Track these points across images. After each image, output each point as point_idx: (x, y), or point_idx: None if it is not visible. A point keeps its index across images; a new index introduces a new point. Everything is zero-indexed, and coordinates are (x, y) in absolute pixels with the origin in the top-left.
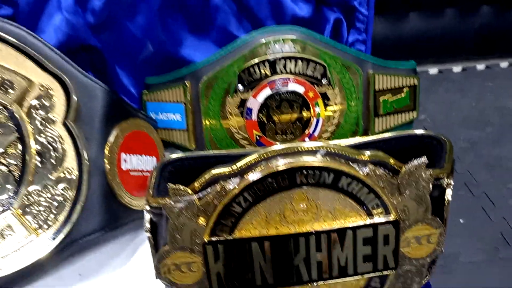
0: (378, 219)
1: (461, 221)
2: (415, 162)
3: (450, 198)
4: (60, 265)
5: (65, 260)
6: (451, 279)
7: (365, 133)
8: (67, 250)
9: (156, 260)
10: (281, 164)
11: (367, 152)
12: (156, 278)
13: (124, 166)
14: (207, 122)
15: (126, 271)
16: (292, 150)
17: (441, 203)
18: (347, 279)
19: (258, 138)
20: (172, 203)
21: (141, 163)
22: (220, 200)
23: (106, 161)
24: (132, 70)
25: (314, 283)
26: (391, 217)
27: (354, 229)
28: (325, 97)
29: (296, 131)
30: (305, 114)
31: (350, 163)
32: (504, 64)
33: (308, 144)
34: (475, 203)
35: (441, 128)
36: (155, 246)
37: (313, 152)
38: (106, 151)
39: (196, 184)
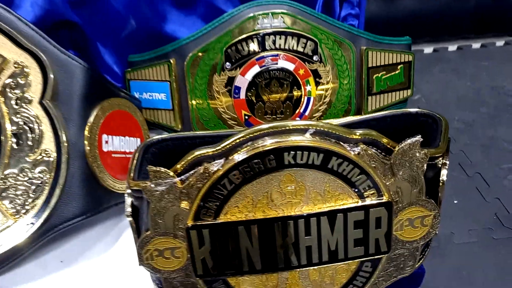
0: (370, 201)
1: (455, 202)
2: (409, 141)
3: (445, 179)
4: (40, 252)
5: (46, 246)
6: (445, 261)
7: (358, 112)
8: (47, 235)
9: (138, 246)
10: (268, 143)
11: (359, 131)
12: (139, 265)
13: (105, 148)
14: (194, 102)
15: (110, 257)
16: (280, 128)
17: (435, 184)
18: (338, 264)
19: (246, 118)
20: (153, 186)
21: (124, 145)
22: (204, 182)
23: (86, 142)
24: (115, 48)
25: (304, 268)
26: (384, 199)
27: (345, 211)
28: (316, 74)
29: (287, 110)
30: (295, 92)
31: (341, 142)
32: (500, 43)
33: (296, 122)
34: (469, 184)
35: (436, 108)
36: (137, 231)
37: (301, 131)
38: (86, 132)
39: (179, 166)
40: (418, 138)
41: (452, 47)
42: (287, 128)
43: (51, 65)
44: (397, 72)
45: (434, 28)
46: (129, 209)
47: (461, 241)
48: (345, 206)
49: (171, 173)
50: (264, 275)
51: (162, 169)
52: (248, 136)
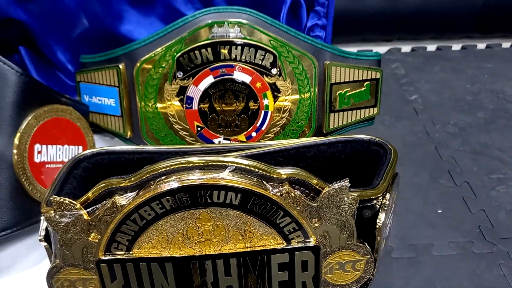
0: (295, 244)
1: (439, 211)
2: (336, 185)
3: (383, 221)
4: None
5: None
6: (420, 273)
7: (319, 129)
8: None
9: (47, 275)
10: (181, 180)
11: (286, 170)
12: None
13: (37, 158)
14: (143, 110)
15: (40, 272)
16: (197, 164)
17: (372, 226)
18: None
19: (199, 129)
20: (57, 217)
21: (62, 154)
22: (112, 216)
23: (14, 151)
24: (68, 46)
25: None
26: (311, 242)
27: (268, 253)
28: (274, 88)
29: (242, 124)
30: (251, 105)
31: (264, 182)
32: (506, 44)
33: (216, 158)
34: (456, 192)
35: (431, 110)
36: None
37: (221, 167)
38: (16, 141)
39: (90, 194)
40: (346, 182)
41: (456, 46)
42: (207, 163)
43: None
44: (362, 89)
45: (439, 25)
46: (42, 233)
47: (440, 253)
48: (268, 248)
49: (77, 205)
50: None
51: (67, 200)
52: (163, 170)
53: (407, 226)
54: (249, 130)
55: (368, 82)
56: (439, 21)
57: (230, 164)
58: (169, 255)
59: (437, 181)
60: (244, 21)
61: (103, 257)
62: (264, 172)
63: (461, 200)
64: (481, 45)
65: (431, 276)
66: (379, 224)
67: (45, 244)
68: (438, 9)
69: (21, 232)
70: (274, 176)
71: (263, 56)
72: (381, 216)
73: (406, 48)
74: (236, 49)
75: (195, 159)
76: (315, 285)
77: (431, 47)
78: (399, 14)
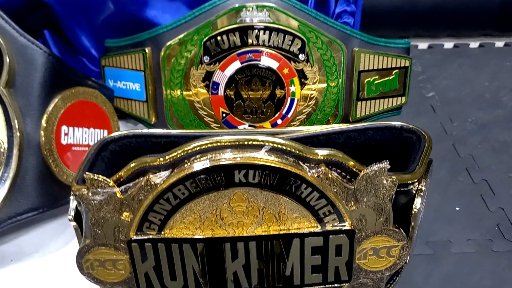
0: (330, 227)
1: (457, 208)
2: (375, 167)
3: (419, 207)
4: None
5: None
6: (438, 270)
7: (346, 117)
8: None
9: (77, 254)
10: (218, 159)
11: (323, 151)
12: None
13: (64, 140)
14: (169, 95)
15: (65, 255)
16: (234, 143)
17: (407, 212)
18: None
19: (224, 116)
20: (90, 195)
21: (88, 137)
22: (146, 195)
23: (42, 133)
24: (92, 31)
25: None
26: (346, 226)
27: (302, 236)
28: (302, 75)
29: (268, 111)
30: (278, 92)
31: (300, 162)
32: None
33: (252, 137)
34: (475, 190)
35: (449, 107)
36: (81, 237)
37: (257, 147)
38: (43, 123)
39: (122, 173)
40: (386, 164)
41: (474, 44)
42: (242, 143)
43: (8, 48)
44: (391, 77)
45: (457, 23)
46: (72, 213)
47: (458, 250)
48: (302, 231)
49: (111, 183)
50: None
51: (101, 177)
52: (197, 148)
53: (425, 223)
54: (275, 117)
55: (396, 70)
56: (457, 19)
57: (266, 143)
58: (201, 236)
59: (455, 178)
60: (273, 5)
61: (134, 237)
62: (301, 153)
63: (479, 198)
64: (500, 43)
65: (450, 273)
66: (415, 210)
67: (74, 224)
68: (455, 6)
69: (45, 216)
70: (311, 157)
71: (291, 42)
72: (417, 202)
73: (422, 45)
74: (264, 34)
75: (229, 138)
76: (348, 271)
77: (448, 44)
78: (416, 11)
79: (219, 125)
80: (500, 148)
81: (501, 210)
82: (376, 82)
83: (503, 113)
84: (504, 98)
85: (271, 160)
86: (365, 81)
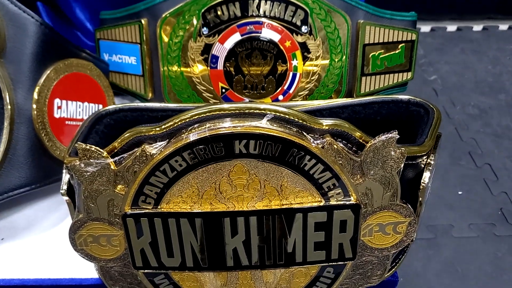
0: (334, 201)
1: (460, 193)
2: (383, 137)
3: (427, 182)
4: None
5: None
6: (439, 254)
7: (349, 93)
8: None
9: (70, 230)
10: (216, 128)
11: (328, 121)
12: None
13: (57, 114)
14: (166, 69)
15: (59, 232)
16: (233, 111)
17: (415, 187)
18: (295, 267)
19: (224, 91)
20: (83, 166)
21: (82, 111)
22: (141, 167)
23: (34, 106)
24: (87, 3)
25: (256, 269)
26: (351, 201)
27: (305, 211)
28: (304, 48)
29: (269, 86)
30: (279, 67)
31: (304, 132)
32: None
33: (252, 105)
34: (477, 174)
35: (451, 91)
36: (74, 212)
37: (258, 115)
38: (35, 95)
39: (116, 144)
40: (394, 134)
41: (477, 27)
42: (242, 111)
43: None
44: (397, 51)
45: (460, 5)
46: (65, 187)
47: (460, 234)
48: (305, 206)
49: (104, 153)
50: (211, 273)
51: (93, 148)
52: (196, 117)
53: (426, 207)
54: (276, 93)
55: (403, 44)
56: (460, 1)
57: (268, 112)
58: (199, 211)
59: (457, 163)
60: None
61: (129, 211)
62: (305, 122)
63: (482, 182)
64: (503, 26)
65: (451, 258)
66: (423, 185)
67: (67, 198)
68: None
69: (38, 192)
70: (315, 127)
71: (293, 13)
72: (426, 176)
73: (425, 28)
74: (265, 4)
75: (229, 105)
76: (353, 248)
77: (451, 27)
78: None
79: (218, 101)
80: (502, 132)
81: (504, 194)
82: (381, 56)
83: (505, 98)
84: (506, 82)
85: (273, 130)
86: (370, 55)
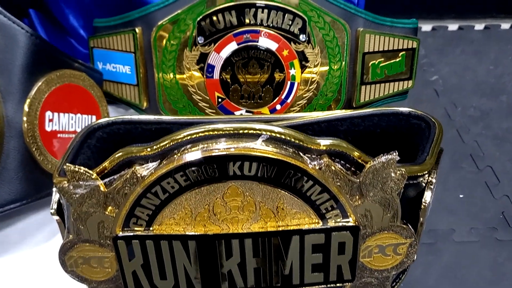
0: (332, 223)
1: (461, 196)
2: (383, 158)
3: (429, 201)
4: None
5: None
6: (440, 259)
7: (348, 103)
8: None
9: (59, 251)
10: (209, 149)
11: (325, 141)
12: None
13: (49, 127)
14: (161, 78)
15: (52, 247)
16: (228, 131)
17: (416, 206)
18: None
19: (220, 101)
20: (71, 188)
21: (74, 123)
22: (132, 188)
23: (24, 119)
24: (81, 10)
25: None
26: (350, 222)
27: (302, 233)
28: (302, 57)
29: (266, 95)
30: (277, 76)
31: (301, 153)
32: None
33: (248, 125)
34: (479, 177)
35: (453, 92)
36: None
37: (253, 136)
38: (26, 107)
39: (107, 164)
40: (394, 155)
41: (479, 26)
42: (237, 132)
43: None
44: (397, 60)
45: (462, 3)
46: (54, 206)
47: (461, 239)
48: (302, 227)
49: (93, 175)
50: None
51: (82, 169)
52: (188, 138)
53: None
54: (273, 102)
55: (403, 52)
56: (462, 0)
57: (263, 132)
58: (193, 233)
59: (458, 165)
60: None
61: (120, 233)
62: (301, 143)
63: (483, 185)
64: (505, 25)
65: (451, 264)
66: (425, 204)
67: (57, 218)
68: None
69: (31, 206)
70: (312, 147)
71: (291, 21)
72: (427, 195)
73: (426, 27)
74: (262, 12)
75: (224, 126)
76: (352, 270)
77: (453, 26)
78: None
79: (214, 111)
80: (504, 135)
81: (506, 197)
82: (381, 64)
83: (507, 99)
84: (508, 84)
85: (269, 151)
86: (370, 64)
